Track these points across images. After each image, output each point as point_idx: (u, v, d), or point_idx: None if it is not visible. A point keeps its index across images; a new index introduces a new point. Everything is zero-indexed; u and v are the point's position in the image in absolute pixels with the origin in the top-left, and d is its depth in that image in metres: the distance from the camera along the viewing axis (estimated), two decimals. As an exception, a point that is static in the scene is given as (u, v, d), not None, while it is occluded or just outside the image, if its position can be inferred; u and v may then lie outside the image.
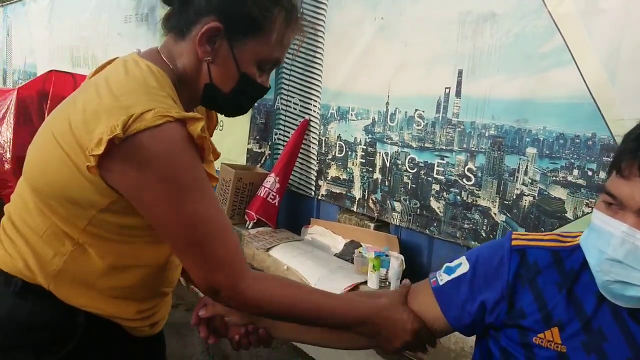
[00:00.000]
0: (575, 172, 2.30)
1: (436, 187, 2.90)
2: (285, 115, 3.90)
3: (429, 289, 0.97)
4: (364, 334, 0.97)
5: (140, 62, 0.92)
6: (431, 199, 2.93)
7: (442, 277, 0.96)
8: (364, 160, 3.34)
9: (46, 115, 3.79)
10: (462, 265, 0.94)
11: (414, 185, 3.03)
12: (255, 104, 4.14)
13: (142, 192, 0.85)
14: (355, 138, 3.38)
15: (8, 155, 3.94)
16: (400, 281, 2.13)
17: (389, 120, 3.15)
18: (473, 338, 1.00)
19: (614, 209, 0.75)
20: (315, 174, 3.71)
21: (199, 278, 0.90)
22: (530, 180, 2.48)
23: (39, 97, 4.17)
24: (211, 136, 1.18)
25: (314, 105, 3.66)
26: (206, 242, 0.88)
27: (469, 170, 2.73)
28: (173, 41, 0.95)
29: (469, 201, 2.73)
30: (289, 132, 3.86)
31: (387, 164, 3.18)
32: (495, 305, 0.89)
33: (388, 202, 3.19)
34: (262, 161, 4.18)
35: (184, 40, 0.93)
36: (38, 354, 0.94)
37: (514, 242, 0.90)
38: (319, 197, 3.71)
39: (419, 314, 0.96)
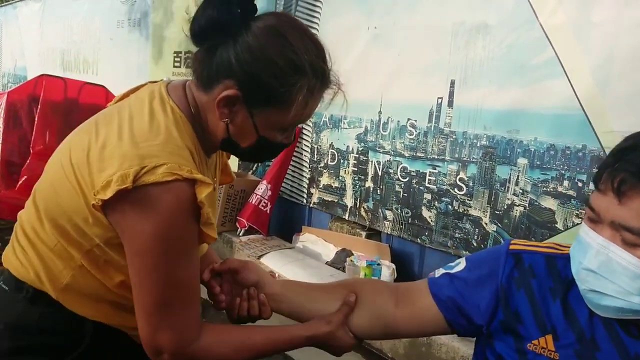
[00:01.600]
0: (566, 183, 2.32)
1: (428, 196, 2.90)
2: (278, 123, 3.89)
3: (425, 282, 1.00)
4: None
5: (167, 105, 0.93)
6: (423, 208, 2.93)
7: (439, 271, 1.00)
8: (356, 169, 3.35)
9: (36, 119, 3.76)
10: (460, 264, 0.98)
11: (405, 194, 3.03)
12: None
13: (134, 239, 0.86)
14: (348, 146, 3.39)
15: (-4, 159, 3.89)
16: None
17: (381, 129, 3.16)
18: (464, 348, 1.01)
19: (594, 222, 0.78)
20: (307, 181, 3.71)
21: (146, 334, 0.90)
22: (521, 191, 2.49)
23: (30, 101, 4.14)
24: (228, 157, 1.20)
25: (306, 113, 3.66)
26: (170, 304, 0.89)
27: (461, 180, 2.74)
28: (196, 87, 0.94)
29: (461, 211, 2.74)
30: (281, 140, 3.85)
31: (379, 173, 3.19)
32: (489, 307, 0.90)
33: (380, 210, 3.20)
34: (254, 168, 4.17)
35: (206, 94, 0.92)
36: (49, 357, 0.97)
37: (511, 247, 0.93)
38: (311, 205, 3.70)
39: (414, 310, 0.98)
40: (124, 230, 0.87)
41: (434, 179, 2.87)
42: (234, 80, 0.88)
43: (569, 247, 0.90)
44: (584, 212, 0.85)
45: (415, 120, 2.95)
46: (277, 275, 3.21)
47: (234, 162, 4.29)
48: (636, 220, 0.72)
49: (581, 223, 0.82)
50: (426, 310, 0.96)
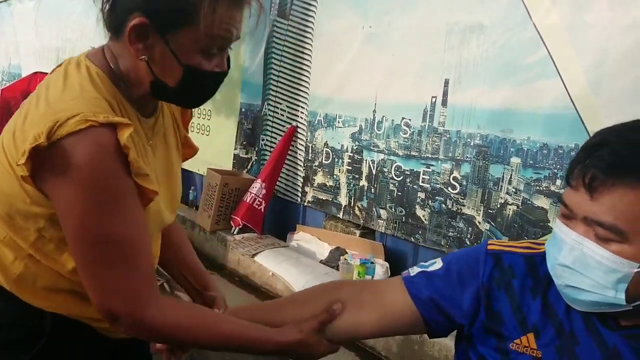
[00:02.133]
0: (558, 182, 2.34)
1: (421, 195, 2.92)
2: (273, 122, 3.90)
3: (399, 281, 0.97)
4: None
5: (82, 65, 0.91)
6: (416, 206, 2.94)
7: (414, 270, 0.98)
8: (350, 168, 3.35)
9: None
10: (436, 264, 0.96)
11: (399, 193, 3.04)
12: (243, 109, 4.14)
13: (60, 198, 0.82)
14: (342, 145, 3.39)
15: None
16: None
17: (375, 128, 3.16)
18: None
19: (568, 218, 0.78)
20: (302, 180, 3.71)
21: (96, 299, 0.85)
22: (514, 190, 2.50)
23: (23, 99, 4.11)
24: (186, 130, 1.16)
25: (301, 112, 3.67)
26: (111, 263, 0.84)
27: (454, 178, 2.75)
28: (112, 41, 0.93)
29: (454, 209, 2.75)
30: (276, 138, 3.86)
31: (374, 172, 3.20)
32: (472, 307, 0.89)
33: (374, 209, 3.20)
34: (249, 167, 4.17)
35: (120, 41, 0.89)
36: (10, 352, 0.94)
37: (489, 247, 0.92)
38: (305, 204, 3.71)
39: (389, 308, 0.96)
40: (52, 194, 0.82)
41: (428, 177, 2.88)
42: (138, 12, 0.85)
43: (544, 243, 0.90)
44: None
45: (410, 119, 2.96)
46: (271, 273, 3.22)
47: (228, 161, 4.29)
48: (607, 215, 0.72)
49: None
50: (402, 309, 0.94)
